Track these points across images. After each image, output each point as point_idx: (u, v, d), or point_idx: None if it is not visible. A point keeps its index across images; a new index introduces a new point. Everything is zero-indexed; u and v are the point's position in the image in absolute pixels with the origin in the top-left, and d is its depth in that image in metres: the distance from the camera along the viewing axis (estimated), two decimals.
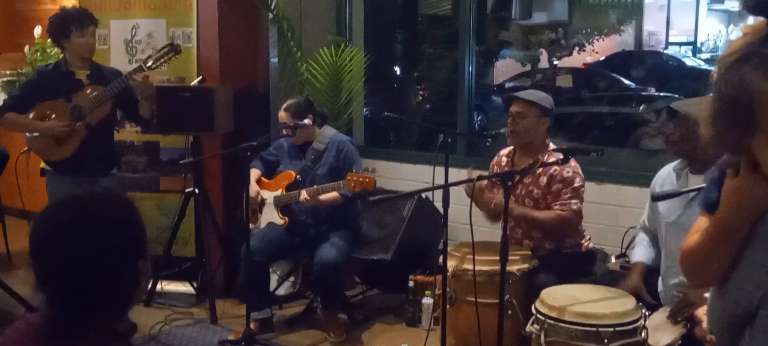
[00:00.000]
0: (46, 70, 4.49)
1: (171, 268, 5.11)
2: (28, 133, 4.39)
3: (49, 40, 5.43)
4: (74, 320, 1.55)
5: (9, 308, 4.42)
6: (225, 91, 4.94)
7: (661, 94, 7.65)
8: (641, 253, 3.51)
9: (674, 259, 3.29)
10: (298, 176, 4.51)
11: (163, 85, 4.86)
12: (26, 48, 6.81)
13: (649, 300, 3.31)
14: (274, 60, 5.51)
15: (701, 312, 2.32)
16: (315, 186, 4.35)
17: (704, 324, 2.19)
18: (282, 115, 4.53)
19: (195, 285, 5.12)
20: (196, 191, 4.83)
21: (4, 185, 5.69)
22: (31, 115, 4.30)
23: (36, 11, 7.28)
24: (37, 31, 6.67)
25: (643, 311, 3.14)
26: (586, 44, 9.05)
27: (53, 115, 4.27)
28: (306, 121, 4.47)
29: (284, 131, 4.48)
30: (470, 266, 3.51)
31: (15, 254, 5.73)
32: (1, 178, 5.61)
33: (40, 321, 1.58)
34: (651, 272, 3.43)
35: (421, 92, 7.00)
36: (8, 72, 6.80)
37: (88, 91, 4.26)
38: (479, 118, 7.26)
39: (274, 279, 4.84)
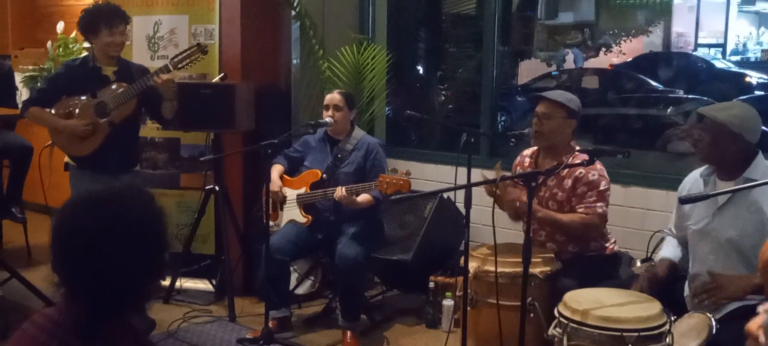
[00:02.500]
0: (73, 65, 4.52)
1: (190, 265, 5.14)
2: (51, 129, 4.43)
3: (73, 34, 5.48)
4: (94, 315, 1.56)
5: (29, 303, 4.49)
6: (246, 89, 4.96)
7: (690, 96, 7.58)
8: (668, 251, 3.50)
9: (702, 265, 3.26)
10: (323, 175, 4.51)
11: (185, 81, 4.88)
12: (48, 43, 6.88)
13: (665, 275, 3.29)
14: (296, 58, 5.52)
15: (754, 325, 2.30)
16: (352, 186, 4.33)
17: (761, 339, 2.16)
18: (336, 96, 4.53)
19: (214, 283, 5.15)
20: (216, 188, 4.85)
21: (27, 180, 5.75)
22: (55, 110, 4.34)
23: (58, 6, 7.36)
24: (60, 26, 6.75)
25: (670, 317, 3.11)
26: (613, 45, 8.98)
27: (77, 111, 4.30)
28: (328, 119, 4.47)
29: (324, 126, 4.50)
30: (492, 268, 3.50)
31: (35, 249, 5.80)
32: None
33: (58, 316, 1.59)
34: (675, 270, 3.41)
35: (444, 92, 6.98)
36: (30, 67, 6.88)
37: (114, 87, 4.28)
38: (503, 118, 7.23)
39: (293, 278, 4.85)
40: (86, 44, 4.90)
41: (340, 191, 4.29)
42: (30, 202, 6.14)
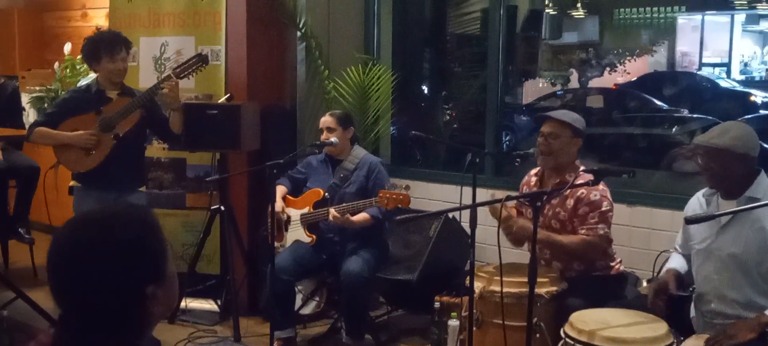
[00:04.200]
0: (78, 90, 4.64)
1: (195, 285, 5.13)
2: (56, 146, 4.45)
3: (79, 56, 5.54)
4: (78, 341, 1.52)
5: (34, 323, 4.48)
6: (252, 109, 4.98)
7: (695, 116, 7.57)
8: (674, 262, 3.49)
9: (707, 285, 3.25)
10: (326, 194, 4.52)
11: (191, 102, 4.91)
12: (56, 64, 6.92)
13: (674, 292, 3.27)
14: (302, 78, 5.54)
15: None
16: (344, 204, 4.36)
17: None
18: (327, 119, 4.55)
19: (219, 303, 5.14)
20: (222, 208, 4.85)
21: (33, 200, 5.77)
22: (60, 129, 4.37)
23: (66, 28, 7.41)
24: (67, 47, 6.79)
25: (677, 338, 3.09)
26: (618, 65, 8.99)
27: (82, 128, 4.33)
28: (333, 139, 4.49)
29: (330, 145, 4.51)
30: (498, 288, 3.49)
31: (41, 269, 5.80)
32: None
33: (49, 341, 1.56)
34: (682, 281, 3.39)
35: (448, 111, 6.99)
36: (37, 88, 6.92)
37: (118, 104, 4.32)
38: (507, 138, 7.24)
39: (298, 298, 4.84)
40: None
41: (332, 212, 4.30)
42: (35, 221, 6.15)
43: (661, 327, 3.10)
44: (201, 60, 4.42)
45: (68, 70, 6.72)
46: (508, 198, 3.42)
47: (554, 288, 3.64)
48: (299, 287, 4.76)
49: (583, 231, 3.78)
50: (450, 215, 4.95)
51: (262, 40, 5.27)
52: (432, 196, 5.38)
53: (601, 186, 3.75)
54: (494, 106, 5.35)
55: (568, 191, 3.75)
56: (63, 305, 1.53)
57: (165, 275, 1.58)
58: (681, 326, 3.24)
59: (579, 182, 3.67)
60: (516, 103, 7.81)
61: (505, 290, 3.45)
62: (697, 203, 3.38)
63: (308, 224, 4.54)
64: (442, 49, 6.90)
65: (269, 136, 5.15)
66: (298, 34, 5.43)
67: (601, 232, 3.77)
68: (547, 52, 8.26)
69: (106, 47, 4.30)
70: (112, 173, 4.31)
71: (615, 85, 8.93)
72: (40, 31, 7.69)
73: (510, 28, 5.61)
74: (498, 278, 3.46)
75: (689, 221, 3.11)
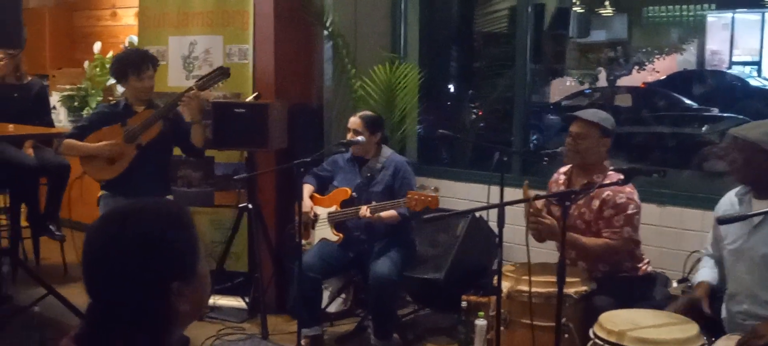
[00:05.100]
0: (108, 105, 4.88)
1: (224, 283, 5.17)
2: (82, 157, 4.58)
3: (109, 54, 5.67)
4: (102, 333, 1.51)
5: (65, 320, 4.54)
6: (279, 108, 5.00)
7: (725, 114, 7.48)
8: (705, 273, 3.44)
9: (739, 285, 3.21)
10: (353, 193, 4.53)
11: (219, 100, 4.95)
12: (86, 63, 7.00)
13: (707, 311, 3.23)
14: (329, 77, 5.56)
15: None
16: (373, 204, 4.36)
17: None
18: (356, 121, 4.56)
19: (247, 300, 5.17)
20: (250, 206, 4.88)
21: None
22: (87, 141, 4.51)
23: (95, 27, 7.50)
24: (97, 47, 6.87)
25: (708, 338, 3.06)
26: (646, 63, 8.89)
27: (107, 139, 4.46)
28: (359, 138, 4.50)
29: (357, 144, 4.51)
30: (525, 288, 3.47)
31: (71, 266, 5.86)
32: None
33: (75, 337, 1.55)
34: (715, 293, 3.35)
35: (475, 110, 6.96)
36: (68, 87, 7.00)
37: (142, 115, 4.46)
38: (534, 137, 7.19)
39: (325, 296, 4.85)
40: None
41: (364, 210, 4.31)
42: (65, 219, 6.21)
43: (691, 328, 3.07)
44: (223, 73, 4.51)
45: (98, 69, 6.80)
46: (537, 197, 3.41)
47: (583, 288, 3.61)
48: (326, 285, 4.78)
49: (606, 234, 3.74)
50: (477, 214, 4.94)
51: (289, 39, 5.29)
52: (458, 195, 5.36)
53: (628, 188, 3.71)
54: (522, 104, 5.33)
55: (594, 192, 3.72)
56: (91, 296, 1.54)
57: (193, 273, 1.56)
58: (712, 327, 3.20)
59: (607, 181, 3.65)
60: (543, 101, 7.76)
61: (533, 289, 3.43)
62: (728, 203, 3.34)
63: (335, 222, 4.55)
64: (468, 47, 6.88)
65: (296, 134, 5.17)
66: (325, 32, 5.44)
67: (626, 235, 3.72)
68: (575, 50, 8.19)
69: (133, 67, 4.47)
70: (135, 181, 4.43)
71: (643, 83, 8.85)
72: (70, 31, 7.79)
73: (537, 26, 5.59)
74: (526, 277, 3.44)
75: (721, 221, 3.08)
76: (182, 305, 1.53)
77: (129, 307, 1.50)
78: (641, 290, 3.85)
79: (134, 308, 1.51)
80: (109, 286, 1.51)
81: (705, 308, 3.26)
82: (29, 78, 5.87)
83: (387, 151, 4.64)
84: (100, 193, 4.65)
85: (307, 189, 4.67)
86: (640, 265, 3.92)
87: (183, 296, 1.53)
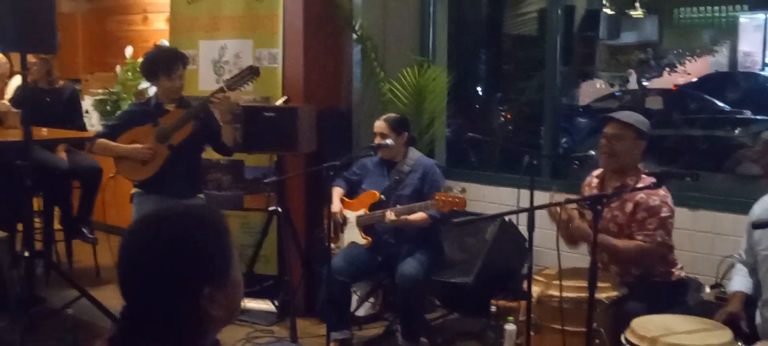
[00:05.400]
0: (139, 103, 4.88)
1: (253, 286, 5.19)
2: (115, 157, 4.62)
3: (140, 59, 5.72)
4: (134, 337, 1.52)
5: (98, 322, 4.59)
6: (308, 111, 5.01)
7: (758, 117, 7.38)
8: (739, 282, 3.38)
9: None
10: (381, 196, 4.53)
11: (249, 104, 4.97)
12: (117, 67, 7.08)
13: (746, 330, 3.18)
14: (357, 80, 5.56)
15: None
16: (400, 206, 4.36)
17: None
18: (381, 124, 4.56)
19: (276, 303, 5.19)
20: (279, 209, 4.89)
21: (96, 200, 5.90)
22: (120, 141, 4.54)
23: (127, 32, 7.56)
24: (129, 51, 6.93)
25: (740, 344, 3.01)
26: (678, 65, 8.80)
27: (140, 139, 4.48)
28: (388, 141, 4.50)
29: (385, 147, 4.51)
30: (556, 293, 3.44)
31: (103, 268, 5.92)
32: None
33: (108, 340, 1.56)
34: (749, 303, 3.30)
35: (504, 113, 6.94)
36: (100, 91, 7.08)
37: (174, 115, 4.46)
38: (564, 140, 7.15)
39: (354, 299, 4.86)
40: None
41: (390, 215, 4.31)
42: (98, 222, 6.28)
43: (725, 334, 3.03)
44: (252, 72, 4.48)
45: (130, 74, 6.86)
46: (568, 201, 3.38)
47: (614, 293, 3.57)
48: (355, 289, 4.78)
49: (640, 237, 3.70)
50: (507, 218, 4.91)
51: (318, 42, 5.31)
52: (487, 198, 5.34)
53: (661, 191, 3.66)
54: (551, 107, 5.29)
55: (628, 195, 3.68)
56: (126, 299, 1.55)
57: (226, 278, 1.56)
58: (746, 333, 3.16)
59: (640, 185, 3.61)
60: (573, 104, 7.72)
61: (564, 294, 3.41)
62: (763, 207, 3.29)
63: (364, 225, 4.55)
64: (497, 50, 6.86)
65: (325, 137, 5.18)
66: (354, 36, 5.45)
67: (659, 239, 3.68)
68: (605, 52, 8.14)
69: (163, 66, 4.46)
70: (168, 180, 4.45)
71: (675, 86, 8.76)
72: (102, 35, 7.87)
73: (567, 28, 5.55)
74: (556, 282, 3.42)
75: (756, 225, 3.04)
76: (215, 309, 1.54)
77: (162, 310, 1.51)
78: (674, 295, 3.80)
79: (167, 311, 1.51)
80: (142, 289, 1.52)
81: (743, 327, 3.20)
82: (61, 82, 5.95)
83: (415, 154, 4.64)
84: (133, 190, 4.67)
85: (337, 192, 4.68)
86: (672, 270, 3.87)
87: (215, 301, 1.53)
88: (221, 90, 4.42)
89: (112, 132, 4.60)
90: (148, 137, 4.47)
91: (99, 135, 4.68)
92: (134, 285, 1.53)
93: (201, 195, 4.77)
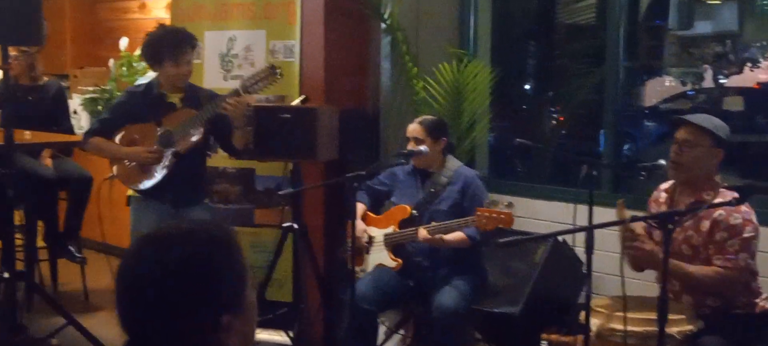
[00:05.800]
0: (136, 92, 4.79)
1: (265, 314, 5.18)
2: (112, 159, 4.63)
3: (137, 51, 5.73)
4: None
5: None
6: (330, 113, 5.03)
7: None
8: None
9: None
10: (414, 211, 4.52)
11: (261, 104, 4.99)
12: (111, 62, 7.15)
13: None
14: (387, 77, 5.57)
15: None
16: (435, 223, 4.35)
17: None
18: (415, 128, 4.57)
19: (291, 335, 5.20)
20: (295, 226, 4.91)
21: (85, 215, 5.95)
22: (117, 139, 4.53)
23: (122, 21, 7.65)
24: (123, 43, 7.00)
25: None
26: (761, 60, 8.73)
27: (141, 140, 4.48)
28: (423, 147, 4.49)
29: (419, 154, 4.50)
30: (619, 326, 3.43)
31: (92, 292, 5.96)
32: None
33: None
34: None
35: (556, 115, 6.92)
36: (91, 88, 7.12)
37: (180, 115, 4.45)
38: (627, 147, 7.11)
39: (381, 331, 4.85)
40: None
41: (423, 232, 4.30)
42: (88, 239, 6.33)
43: None
44: (272, 73, 4.45)
45: (124, 69, 6.92)
46: (634, 219, 3.36)
47: (688, 327, 3.54)
48: (382, 319, 4.78)
49: (719, 262, 3.66)
50: (560, 238, 4.89)
51: (341, 34, 5.33)
52: (537, 215, 5.32)
53: (744, 208, 3.62)
54: (613, 109, 5.27)
55: (704, 212, 3.64)
56: (129, 332, 1.55)
57: (243, 303, 1.57)
58: None
59: (718, 200, 3.57)
60: (638, 105, 7.67)
61: (628, 328, 3.38)
62: None
63: (393, 245, 4.55)
64: (549, 42, 6.85)
65: (349, 143, 5.20)
66: (383, 26, 5.47)
67: (742, 263, 3.64)
68: (676, 45, 8.09)
69: (169, 49, 4.44)
70: (170, 188, 4.49)
71: (757, 84, 8.68)
72: (93, 25, 7.97)
73: (632, 17, 5.53)
74: (619, 313, 3.41)
75: None
76: (232, 339, 1.54)
77: (173, 345, 1.51)
78: (757, 330, 3.77)
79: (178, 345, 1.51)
80: (149, 319, 1.52)
81: None
82: (46, 78, 6.01)
83: (454, 163, 4.63)
84: (129, 193, 4.68)
85: (359, 208, 4.68)
86: (756, 300, 3.83)
87: (233, 329, 1.54)
88: (236, 93, 4.42)
89: (106, 127, 4.60)
90: (151, 137, 4.47)
91: (91, 132, 4.66)
92: (140, 316, 1.53)
93: (207, 199, 4.78)
